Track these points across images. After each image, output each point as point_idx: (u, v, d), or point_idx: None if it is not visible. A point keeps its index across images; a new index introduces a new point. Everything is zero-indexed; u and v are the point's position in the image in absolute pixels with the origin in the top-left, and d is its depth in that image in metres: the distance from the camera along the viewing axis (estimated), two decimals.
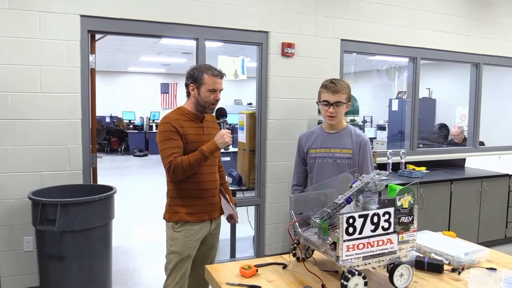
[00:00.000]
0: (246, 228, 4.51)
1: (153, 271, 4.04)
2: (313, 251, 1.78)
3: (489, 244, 4.49)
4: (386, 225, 1.51)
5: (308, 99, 4.02)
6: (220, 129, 2.31)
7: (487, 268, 1.73)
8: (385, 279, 1.58)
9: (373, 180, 1.65)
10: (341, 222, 1.42)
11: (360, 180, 1.69)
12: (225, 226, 4.46)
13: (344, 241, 1.43)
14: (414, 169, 4.58)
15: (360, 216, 1.46)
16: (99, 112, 13.91)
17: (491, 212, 4.59)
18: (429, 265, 1.71)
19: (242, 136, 4.27)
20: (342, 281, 1.43)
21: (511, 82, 6.88)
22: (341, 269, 1.53)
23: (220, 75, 2.35)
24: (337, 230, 1.43)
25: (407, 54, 4.64)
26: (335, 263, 1.47)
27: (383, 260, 1.52)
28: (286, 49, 3.90)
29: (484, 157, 5.34)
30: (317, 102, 2.52)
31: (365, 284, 1.46)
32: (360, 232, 1.46)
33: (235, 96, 15.06)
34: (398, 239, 1.54)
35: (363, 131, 3.83)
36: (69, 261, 2.72)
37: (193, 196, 2.34)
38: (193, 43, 3.73)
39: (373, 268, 1.53)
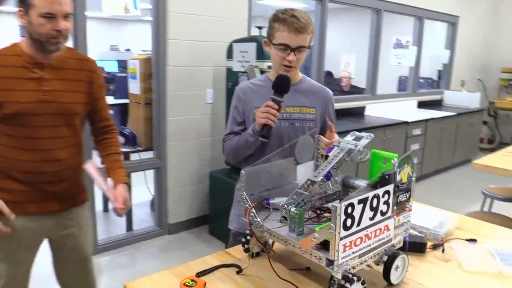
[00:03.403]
0: (142, 193, 3.93)
1: None
2: (273, 242, 1.33)
3: None
4: (384, 208, 1.12)
5: (216, 42, 3.45)
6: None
7: (467, 240, 1.49)
8: (373, 273, 1.22)
9: (357, 146, 1.23)
10: (339, 213, 0.98)
11: (338, 146, 1.26)
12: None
13: (341, 238, 1.01)
14: None
15: (359, 202, 1.04)
16: None
17: None
18: (411, 245, 1.40)
19: (134, 87, 3.55)
20: None
21: (394, 30, 7.08)
22: (331, 273, 1.11)
23: None
24: (331, 225, 0.99)
25: None
26: (327, 269, 1.04)
27: (378, 254, 1.15)
28: None
29: (378, 104, 5.43)
30: (266, 41, 1.69)
31: None
32: (359, 223, 1.05)
33: (110, 41, 13.46)
34: (394, 223, 1.17)
35: None
36: None
37: (13, 178, 1.57)
38: None
39: (369, 266, 1.14)
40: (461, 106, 6.24)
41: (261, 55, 3.04)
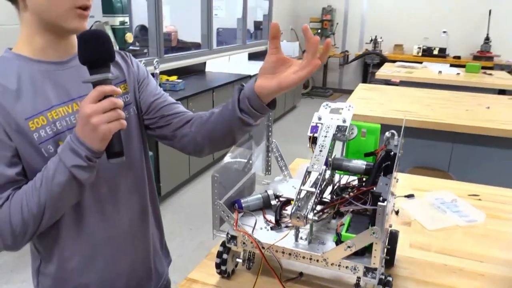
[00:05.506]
0: None
1: None
2: (254, 254, 1.06)
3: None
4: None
5: None
6: None
7: (405, 196, 1.50)
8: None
9: (345, 121, 1.04)
10: (387, 212, 0.79)
11: (322, 123, 1.04)
12: None
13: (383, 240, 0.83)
14: (168, 79, 4.02)
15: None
16: None
17: None
18: None
19: None
20: None
21: None
22: (364, 281, 0.93)
23: None
24: (376, 228, 0.80)
25: None
26: (365, 278, 0.85)
27: None
28: None
29: (215, 60, 5.29)
30: None
31: None
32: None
33: None
34: None
35: None
36: None
37: None
38: None
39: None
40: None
41: (109, 7, 2.47)
